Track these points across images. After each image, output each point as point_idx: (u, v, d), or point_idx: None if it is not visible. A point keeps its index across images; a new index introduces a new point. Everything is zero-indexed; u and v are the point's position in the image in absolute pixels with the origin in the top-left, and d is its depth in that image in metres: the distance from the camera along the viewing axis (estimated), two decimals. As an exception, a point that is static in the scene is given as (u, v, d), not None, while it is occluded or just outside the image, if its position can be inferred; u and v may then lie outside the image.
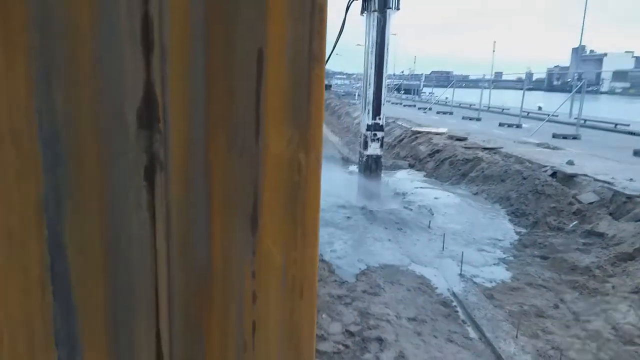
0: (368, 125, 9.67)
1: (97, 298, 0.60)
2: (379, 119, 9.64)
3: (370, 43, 9.31)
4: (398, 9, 9.17)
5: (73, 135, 0.56)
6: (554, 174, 9.53)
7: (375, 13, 9.15)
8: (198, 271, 0.62)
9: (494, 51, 39.48)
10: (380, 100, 9.53)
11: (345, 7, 9.78)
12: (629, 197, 7.73)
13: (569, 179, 9.18)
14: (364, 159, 9.85)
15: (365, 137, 9.74)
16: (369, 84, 9.45)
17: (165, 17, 0.55)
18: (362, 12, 9.61)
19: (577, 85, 18.00)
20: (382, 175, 10.23)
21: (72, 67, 0.55)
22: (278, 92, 0.59)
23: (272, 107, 0.60)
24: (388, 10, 9.13)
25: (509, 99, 21.73)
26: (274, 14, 0.58)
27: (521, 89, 24.13)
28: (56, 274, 0.58)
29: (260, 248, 0.64)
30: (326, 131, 21.16)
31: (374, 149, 9.79)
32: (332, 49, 10.93)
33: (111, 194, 0.58)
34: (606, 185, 8.45)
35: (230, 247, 0.63)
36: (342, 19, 10.09)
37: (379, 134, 9.73)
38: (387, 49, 9.33)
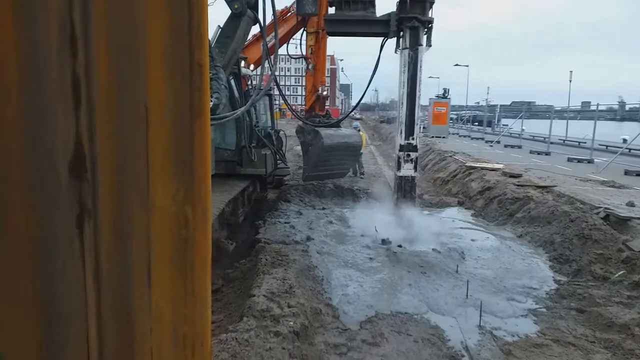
0: (401, 145, 9.56)
1: (29, 348, 0.60)
2: (412, 139, 9.49)
3: (404, 70, 9.40)
4: (430, 45, 9.05)
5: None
6: (606, 217, 8.70)
7: (407, 50, 9.08)
8: (125, 322, 0.63)
9: (570, 81, 37.45)
10: (414, 121, 9.44)
11: (380, 45, 9.84)
12: (684, 246, 6.86)
13: (622, 223, 8.33)
14: (397, 181, 9.66)
15: (399, 157, 9.59)
16: (402, 103, 9.42)
17: (92, 75, 0.58)
18: (395, 50, 9.61)
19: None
20: (420, 209, 9.89)
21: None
22: (161, 146, 0.61)
23: (156, 162, 0.61)
24: (420, 47, 9.03)
25: (593, 130, 20.11)
26: (153, 72, 0.60)
27: (613, 119, 22.41)
28: None
29: (152, 303, 0.64)
30: (382, 164, 20.89)
31: (407, 169, 9.60)
32: (368, 83, 11.07)
33: (43, 242, 0.59)
34: (662, 230, 7.57)
35: (142, 300, 0.64)
36: (377, 57, 10.15)
37: (413, 155, 9.54)
38: (420, 75, 9.35)
